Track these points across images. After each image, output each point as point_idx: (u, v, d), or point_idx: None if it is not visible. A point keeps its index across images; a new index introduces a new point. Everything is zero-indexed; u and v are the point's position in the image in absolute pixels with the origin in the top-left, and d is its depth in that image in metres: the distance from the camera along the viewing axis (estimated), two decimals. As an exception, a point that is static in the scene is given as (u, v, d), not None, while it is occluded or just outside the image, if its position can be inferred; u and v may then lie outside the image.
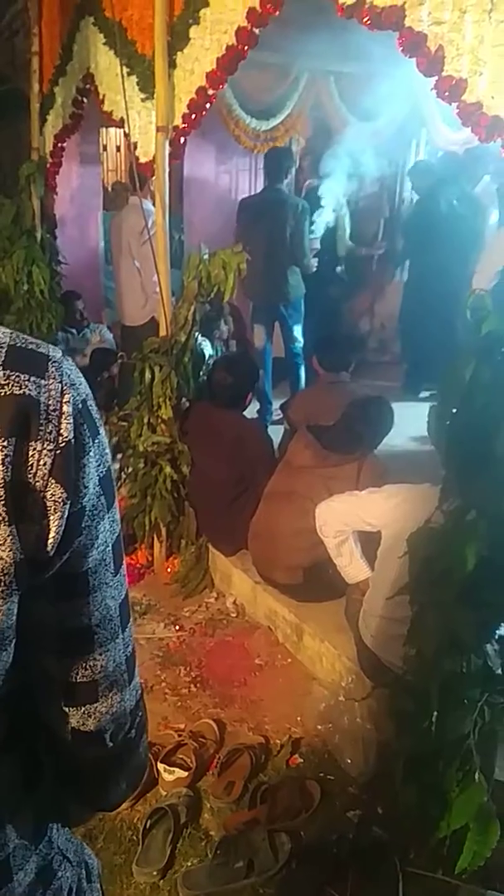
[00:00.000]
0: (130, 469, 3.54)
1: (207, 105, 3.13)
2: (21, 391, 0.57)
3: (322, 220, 5.41)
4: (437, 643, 1.78)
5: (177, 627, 3.22)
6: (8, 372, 0.57)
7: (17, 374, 0.57)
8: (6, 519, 0.56)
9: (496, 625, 1.78)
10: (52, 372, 0.59)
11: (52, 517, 0.59)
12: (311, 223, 5.14)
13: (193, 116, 3.17)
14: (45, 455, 0.58)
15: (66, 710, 0.70)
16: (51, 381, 0.59)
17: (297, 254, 4.82)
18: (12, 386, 0.56)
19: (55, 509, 0.59)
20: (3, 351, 0.58)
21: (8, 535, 0.56)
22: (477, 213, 5.21)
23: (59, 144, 4.54)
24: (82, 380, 0.63)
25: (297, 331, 5.03)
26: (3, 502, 0.56)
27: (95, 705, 0.70)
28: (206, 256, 3.35)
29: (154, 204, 3.44)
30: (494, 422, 1.64)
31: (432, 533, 1.81)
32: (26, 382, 0.57)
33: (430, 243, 5.16)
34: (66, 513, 0.60)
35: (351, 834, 2.14)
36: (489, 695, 1.76)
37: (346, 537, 2.64)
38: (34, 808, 0.73)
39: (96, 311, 6.50)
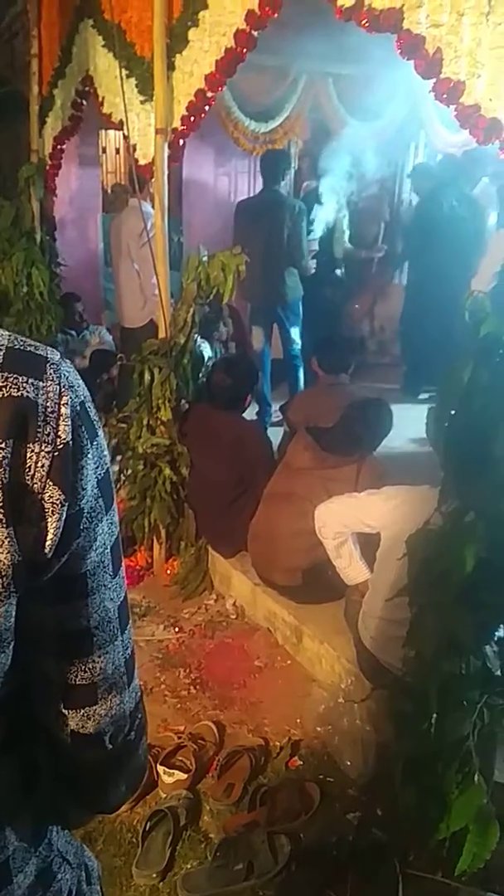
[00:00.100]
0: (130, 471, 3.54)
1: (206, 107, 3.14)
2: (19, 393, 0.57)
3: (321, 221, 5.41)
4: (436, 645, 1.78)
5: (176, 629, 3.21)
6: (6, 374, 0.57)
7: (15, 375, 0.57)
8: (4, 521, 0.56)
9: (495, 626, 1.78)
10: (51, 374, 0.60)
11: (50, 519, 0.59)
12: (311, 224, 5.15)
13: (192, 119, 3.17)
14: (43, 457, 0.58)
15: (65, 712, 0.70)
16: (49, 383, 0.59)
17: (294, 255, 4.82)
18: (10, 388, 0.56)
19: (53, 511, 0.59)
20: (2, 353, 0.58)
21: (6, 537, 0.56)
22: (477, 215, 5.22)
23: (59, 146, 4.54)
24: (80, 382, 0.63)
25: (295, 333, 5.03)
26: (1, 504, 0.56)
27: (95, 707, 0.70)
28: (204, 258, 3.35)
29: (153, 206, 3.44)
30: (493, 423, 1.65)
31: (431, 534, 1.81)
32: (24, 384, 0.57)
33: (431, 246, 5.16)
34: (64, 515, 0.60)
35: (350, 836, 2.14)
36: (488, 696, 1.75)
37: (346, 539, 2.64)
38: (33, 811, 0.73)
39: (96, 312, 6.50)
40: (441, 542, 1.76)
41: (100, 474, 0.64)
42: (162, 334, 3.47)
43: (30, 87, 4.58)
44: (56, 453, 0.58)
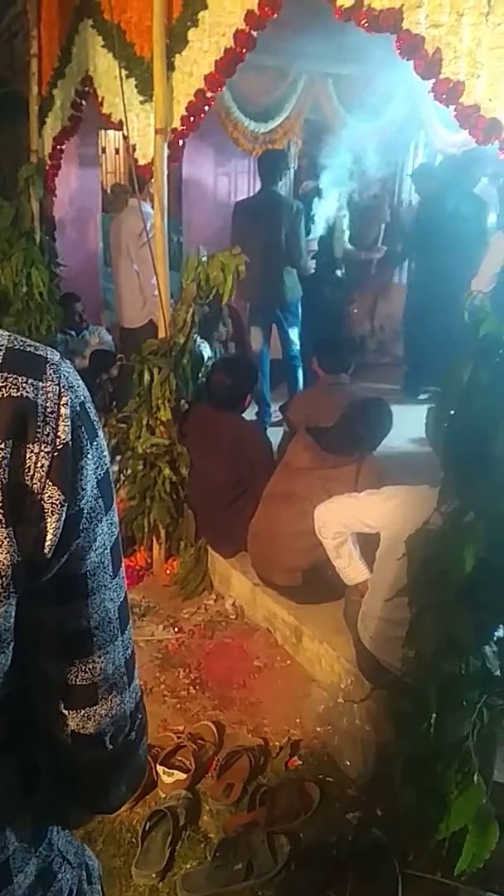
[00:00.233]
0: (129, 471, 3.54)
1: (206, 107, 3.14)
2: (19, 393, 0.57)
3: (320, 221, 5.41)
4: (435, 645, 1.78)
5: (176, 629, 3.21)
6: (6, 374, 0.57)
7: (14, 376, 0.57)
8: (3, 521, 0.56)
9: (494, 626, 1.78)
10: (50, 374, 0.60)
11: (49, 519, 0.59)
12: (310, 224, 5.14)
13: (192, 119, 3.17)
14: (43, 457, 0.58)
15: (66, 712, 0.70)
16: (48, 383, 0.59)
17: (293, 255, 4.82)
18: (10, 388, 0.57)
19: (52, 511, 0.59)
20: (2, 353, 0.58)
21: (5, 538, 0.57)
22: (481, 214, 5.22)
23: (58, 147, 4.54)
24: (80, 382, 0.63)
25: (294, 333, 5.02)
26: (0, 504, 0.56)
27: (95, 708, 0.70)
28: (204, 259, 3.36)
29: (153, 206, 3.44)
30: (492, 423, 1.65)
31: (431, 534, 1.82)
32: (24, 385, 0.57)
33: (435, 245, 5.15)
34: (64, 515, 0.60)
35: (350, 836, 2.14)
36: (488, 696, 1.76)
37: (345, 539, 2.64)
38: (33, 811, 0.73)
39: (95, 313, 6.50)
40: (441, 543, 1.76)
41: (99, 475, 0.64)
42: (161, 334, 3.47)
43: (29, 88, 4.58)
44: (55, 453, 0.58)
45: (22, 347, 0.60)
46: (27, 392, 0.57)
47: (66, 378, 0.61)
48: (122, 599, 0.70)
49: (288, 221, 4.75)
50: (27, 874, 0.72)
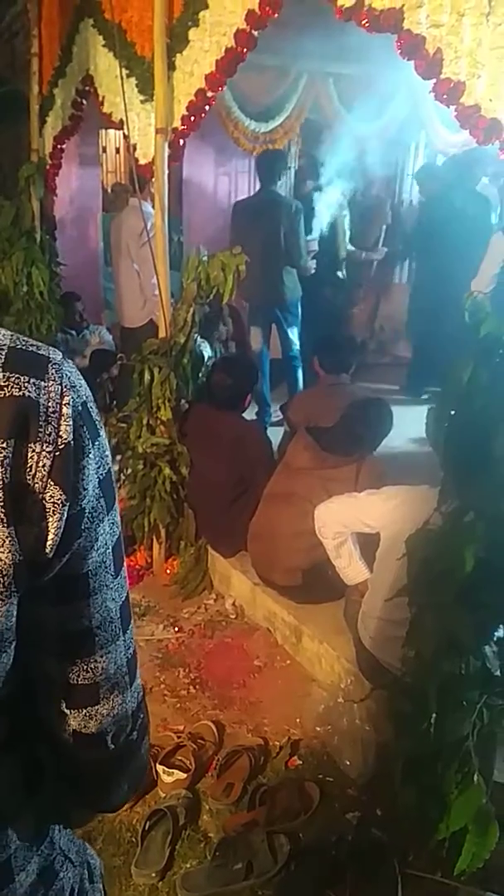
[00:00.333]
0: (129, 470, 3.54)
1: (206, 107, 3.14)
2: (21, 393, 0.57)
3: (321, 221, 5.40)
4: (435, 645, 1.78)
5: (176, 629, 3.22)
6: (8, 374, 0.57)
7: (16, 375, 0.57)
8: (5, 520, 0.56)
9: (494, 626, 1.78)
10: (52, 374, 0.60)
11: (51, 519, 0.59)
12: (310, 224, 5.14)
13: (192, 118, 3.17)
14: (45, 457, 0.58)
15: (68, 712, 0.70)
16: (50, 382, 0.59)
17: (292, 255, 4.81)
18: (12, 387, 0.57)
19: (54, 511, 0.59)
20: (4, 353, 0.58)
21: (7, 537, 0.57)
22: (487, 213, 5.21)
23: (59, 146, 4.54)
24: (83, 382, 0.63)
25: (294, 333, 5.01)
26: (1, 504, 0.56)
27: (97, 707, 0.70)
28: (204, 258, 3.36)
29: (153, 206, 3.44)
30: (493, 423, 1.65)
31: (431, 534, 1.82)
32: (26, 384, 0.57)
33: (441, 245, 5.14)
34: (66, 514, 0.60)
35: (350, 835, 2.14)
36: (488, 696, 1.76)
37: (345, 539, 2.64)
38: (35, 810, 0.73)
39: (95, 312, 6.50)
40: (441, 543, 1.76)
41: (101, 474, 0.64)
42: (162, 334, 3.47)
43: (30, 87, 4.58)
44: (57, 453, 0.58)
45: (24, 347, 0.60)
46: (29, 392, 0.57)
47: (69, 378, 0.61)
48: (123, 599, 0.70)
49: (287, 221, 4.74)
50: (29, 873, 0.72)
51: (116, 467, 3.56)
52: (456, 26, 2.01)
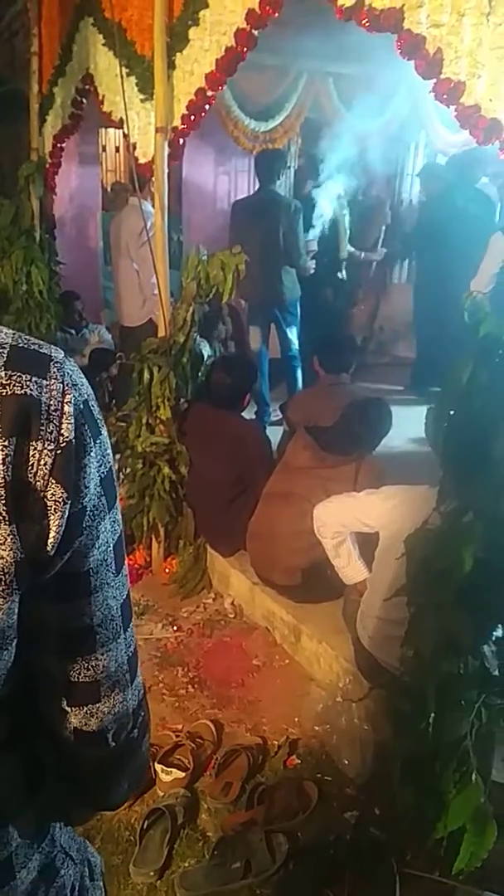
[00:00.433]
0: (129, 469, 3.55)
1: (206, 106, 3.14)
2: (23, 391, 0.57)
3: (321, 221, 5.40)
4: (434, 644, 1.78)
5: (175, 628, 3.22)
6: (10, 372, 0.57)
7: (18, 374, 0.57)
8: (6, 518, 0.56)
9: (493, 626, 1.78)
10: (54, 372, 0.60)
11: (52, 517, 0.59)
12: (310, 224, 5.13)
13: (192, 117, 3.17)
14: (46, 455, 0.58)
15: (68, 709, 0.70)
16: (52, 381, 0.59)
17: (291, 254, 4.81)
18: (14, 386, 0.57)
19: (55, 509, 0.59)
20: (6, 351, 0.58)
21: (8, 535, 0.57)
22: (490, 212, 5.21)
23: (59, 145, 4.54)
24: (84, 381, 0.64)
25: (293, 333, 5.00)
26: (3, 502, 0.56)
27: (98, 705, 0.70)
28: (204, 257, 3.36)
29: (153, 205, 3.44)
30: (492, 423, 1.65)
31: (429, 534, 1.82)
32: (28, 382, 0.57)
33: (445, 244, 5.14)
34: (67, 513, 0.60)
35: (348, 835, 2.14)
36: (486, 696, 1.76)
37: (344, 538, 2.64)
38: (36, 808, 0.73)
39: (95, 311, 6.50)
40: (439, 542, 1.76)
41: (103, 472, 0.64)
42: (161, 333, 3.47)
43: (30, 86, 4.58)
44: (59, 451, 0.59)
45: (26, 346, 0.60)
46: (31, 390, 0.57)
47: (70, 376, 0.61)
48: (124, 597, 0.70)
49: (286, 221, 4.74)
50: (30, 870, 0.72)
51: (115, 466, 3.55)
52: (456, 26, 2.01)
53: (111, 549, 0.67)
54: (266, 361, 5.06)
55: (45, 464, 0.58)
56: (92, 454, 0.62)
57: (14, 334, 0.60)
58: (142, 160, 3.49)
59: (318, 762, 2.48)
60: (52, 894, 0.74)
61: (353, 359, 3.90)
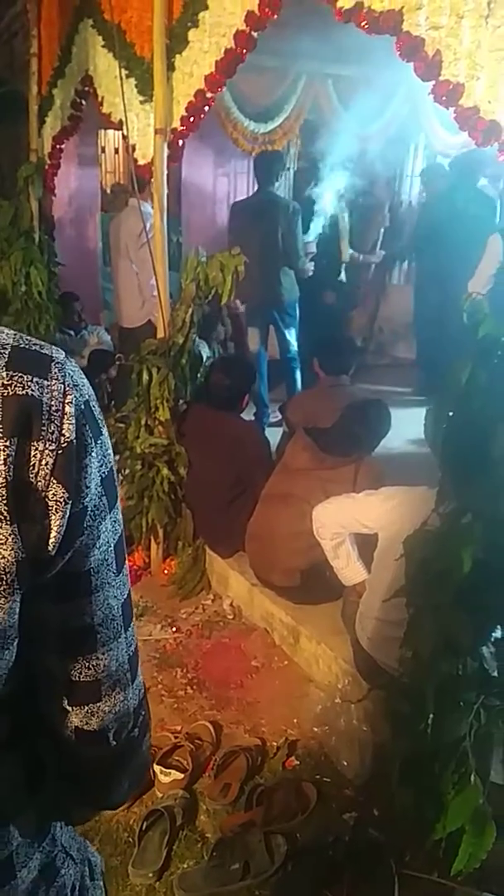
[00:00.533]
0: (128, 471, 3.54)
1: (206, 108, 3.14)
2: (24, 391, 0.57)
3: (320, 223, 5.41)
4: (433, 645, 1.78)
5: (173, 629, 3.22)
6: (11, 372, 0.57)
7: (20, 374, 0.58)
8: (8, 518, 0.57)
9: (492, 627, 1.79)
10: (55, 373, 0.60)
11: (53, 517, 0.59)
12: (308, 225, 5.14)
13: (192, 119, 3.17)
14: (47, 455, 0.58)
15: (69, 709, 0.70)
16: (53, 381, 0.59)
17: (290, 255, 4.81)
18: (15, 386, 0.57)
19: (57, 509, 0.59)
20: (7, 352, 0.58)
21: (10, 535, 0.57)
22: (492, 212, 5.21)
23: (58, 146, 4.54)
24: (85, 381, 0.64)
25: (291, 334, 5.00)
26: (4, 501, 0.56)
27: (98, 704, 0.70)
28: (203, 259, 3.36)
29: (152, 206, 3.44)
30: (491, 424, 1.65)
31: (429, 535, 1.82)
32: (29, 383, 0.58)
33: (446, 245, 5.14)
34: (68, 512, 0.60)
35: (347, 836, 2.14)
36: (485, 697, 1.76)
37: (343, 539, 2.64)
38: (37, 807, 0.73)
39: (94, 312, 6.50)
40: (438, 543, 1.76)
41: (104, 473, 0.64)
42: (160, 334, 3.47)
43: (29, 87, 4.58)
44: (60, 451, 0.59)
45: (28, 346, 0.60)
46: (32, 390, 0.58)
47: (71, 377, 0.61)
48: (125, 596, 0.70)
49: (285, 222, 4.74)
50: (31, 869, 0.72)
51: (115, 467, 3.56)
52: (455, 28, 2.02)
53: (112, 548, 0.67)
54: (265, 363, 5.06)
55: (46, 464, 0.58)
56: (93, 454, 0.62)
57: (15, 335, 0.60)
58: (141, 162, 3.49)
59: (316, 763, 2.48)
60: (52, 893, 0.75)
61: (353, 360, 3.90)
